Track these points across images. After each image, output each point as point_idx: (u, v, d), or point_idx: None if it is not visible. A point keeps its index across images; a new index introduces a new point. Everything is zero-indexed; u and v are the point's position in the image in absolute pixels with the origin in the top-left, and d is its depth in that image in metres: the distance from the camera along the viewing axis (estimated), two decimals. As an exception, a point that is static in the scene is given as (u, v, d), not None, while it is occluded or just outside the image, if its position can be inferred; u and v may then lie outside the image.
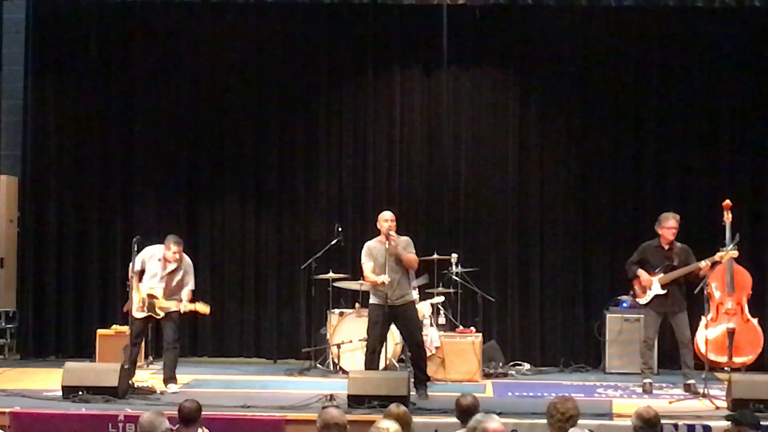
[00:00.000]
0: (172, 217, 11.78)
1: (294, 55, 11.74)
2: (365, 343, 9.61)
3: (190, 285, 9.37)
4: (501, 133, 11.62)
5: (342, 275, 10.60)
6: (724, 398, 8.62)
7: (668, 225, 9.47)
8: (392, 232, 9.11)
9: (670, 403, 8.76)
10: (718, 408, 8.48)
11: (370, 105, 11.72)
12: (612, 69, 11.49)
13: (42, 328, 11.67)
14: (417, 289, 10.35)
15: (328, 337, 10.42)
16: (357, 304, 10.39)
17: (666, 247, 9.50)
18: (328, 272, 10.54)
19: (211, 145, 11.82)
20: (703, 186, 11.27)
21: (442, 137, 11.58)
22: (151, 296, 9.21)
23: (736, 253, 9.45)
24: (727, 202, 9.66)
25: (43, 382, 9.63)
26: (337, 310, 10.44)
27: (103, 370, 8.94)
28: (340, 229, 10.82)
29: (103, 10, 11.72)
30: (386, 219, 9.19)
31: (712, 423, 7.84)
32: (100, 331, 10.78)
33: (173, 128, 11.79)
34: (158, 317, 9.23)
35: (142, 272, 9.32)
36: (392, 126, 11.68)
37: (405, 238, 9.30)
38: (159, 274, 9.27)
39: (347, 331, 10.16)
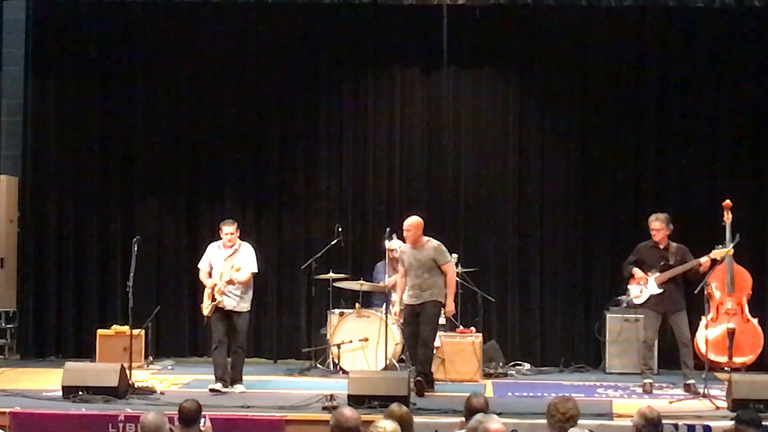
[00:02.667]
0: (172, 218, 11.80)
1: (294, 55, 11.74)
2: (366, 342, 9.65)
3: (252, 269, 9.28)
4: (501, 133, 11.63)
5: (342, 275, 10.60)
6: (724, 398, 8.61)
7: (651, 226, 9.49)
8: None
9: (670, 403, 8.75)
10: (718, 408, 8.47)
11: (370, 105, 11.72)
12: (612, 69, 11.50)
13: (42, 328, 11.67)
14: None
15: (328, 337, 10.42)
16: (357, 304, 10.39)
17: (661, 247, 9.49)
18: (328, 272, 10.54)
19: (211, 145, 11.82)
20: (703, 186, 11.27)
21: (442, 137, 11.58)
22: (212, 286, 9.22)
23: (732, 251, 9.45)
24: (727, 202, 9.68)
25: (43, 382, 9.62)
26: (337, 310, 10.43)
27: (103, 370, 8.94)
28: (340, 229, 10.81)
29: (103, 11, 11.73)
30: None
31: (712, 423, 7.83)
32: (100, 331, 10.79)
33: (173, 128, 11.80)
34: (216, 302, 9.15)
35: (210, 271, 9.34)
36: (392, 126, 11.69)
37: (434, 246, 9.32)
38: (220, 262, 9.26)
39: (347, 331, 10.16)
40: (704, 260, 9.26)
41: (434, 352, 9.57)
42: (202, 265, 9.43)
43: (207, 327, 11.28)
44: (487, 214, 11.60)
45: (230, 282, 9.18)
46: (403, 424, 5.41)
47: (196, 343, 11.52)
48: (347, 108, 11.75)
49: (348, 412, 5.46)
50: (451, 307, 9.35)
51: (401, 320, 9.67)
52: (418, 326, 9.30)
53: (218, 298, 9.16)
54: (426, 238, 9.35)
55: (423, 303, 9.24)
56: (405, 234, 9.31)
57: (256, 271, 9.35)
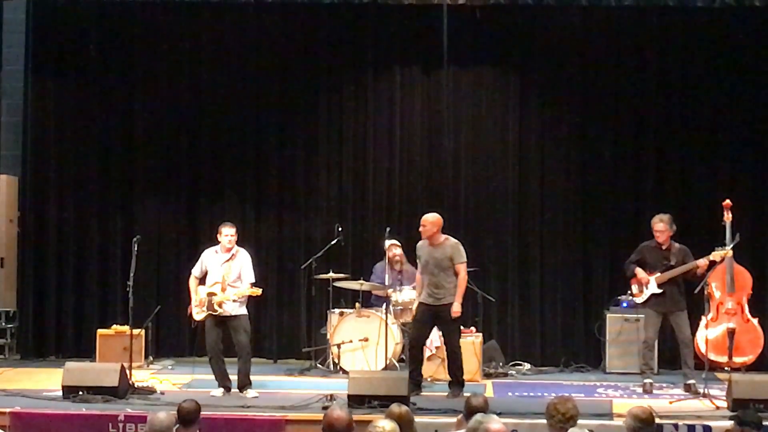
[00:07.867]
0: (172, 217, 11.79)
1: (294, 55, 11.74)
2: (365, 342, 9.63)
3: (250, 278, 9.14)
4: (501, 133, 11.62)
5: (342, 275, 10.60)
6: (725, 398, 8.62)
7: (654, 228, 9.48)
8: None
9: (671, 403, 8.75)
10: (718, 408, 8.47)
11: (370, 105, 11.73)
12: (612, 69, 11.50)
13: (42, 328, 11.67)
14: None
15: (328, 337, 10.42)
16: (357, 304, 10.39)
17: (663, 247, 9.49)
18: (328, 272, 10.54)
19: (212, 145, 11.83)
20: (703, 186, 11.27)
21: (442, 137, 11.58)
22: (209, 294, 9.06)
23: (731, 251, 9.46)
24: (727, 202, 9.68)
25: (43, 382, 9.64)
26: (337, 310, 10.43)
27: (103, 370, 8.94)
28: (340, 229, 10.81)
29: (103, 10, 11.73)
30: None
31: (712, 423, 7.84)
32: (100, 331, 10.80)
33: (173, 128, 11.80)
34: (216, 313, 9.02)
35: (204, 276, 9.19)
36: (392, 126, 11.69)
37: (452, 243, 9.26)
38: (217, 267, 9.11)
39: (347, 331, 10.15)
40: (702, 262, 9.27)
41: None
42: (195, 271, 9.29)
43: (204, 328, 11.34)
44: (487, 213, 11.60)
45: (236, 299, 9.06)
46: (402, 423, 5.41)
47: (195, 344, 11.49)
48: (347, 108, 11.75)
49: (338, 410, 5.45)
50: (458, 307, 9.10)
51: (414, 316, 9.53)
52: (431, 328, 9.26)
53: (218, 309, 9.02)
54: (444, 236, 9.25)
55: (441, 306, 9.08)
56: (420, 229, 9.21)
57: (253, 280, 9.22)
